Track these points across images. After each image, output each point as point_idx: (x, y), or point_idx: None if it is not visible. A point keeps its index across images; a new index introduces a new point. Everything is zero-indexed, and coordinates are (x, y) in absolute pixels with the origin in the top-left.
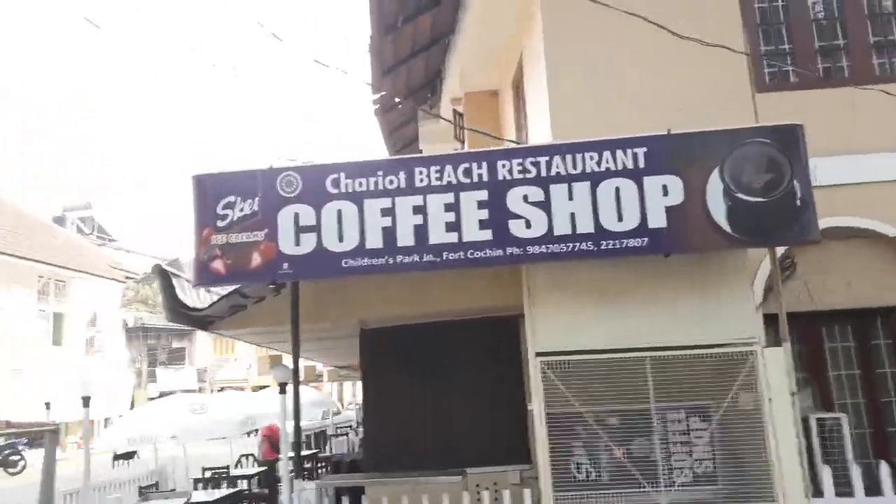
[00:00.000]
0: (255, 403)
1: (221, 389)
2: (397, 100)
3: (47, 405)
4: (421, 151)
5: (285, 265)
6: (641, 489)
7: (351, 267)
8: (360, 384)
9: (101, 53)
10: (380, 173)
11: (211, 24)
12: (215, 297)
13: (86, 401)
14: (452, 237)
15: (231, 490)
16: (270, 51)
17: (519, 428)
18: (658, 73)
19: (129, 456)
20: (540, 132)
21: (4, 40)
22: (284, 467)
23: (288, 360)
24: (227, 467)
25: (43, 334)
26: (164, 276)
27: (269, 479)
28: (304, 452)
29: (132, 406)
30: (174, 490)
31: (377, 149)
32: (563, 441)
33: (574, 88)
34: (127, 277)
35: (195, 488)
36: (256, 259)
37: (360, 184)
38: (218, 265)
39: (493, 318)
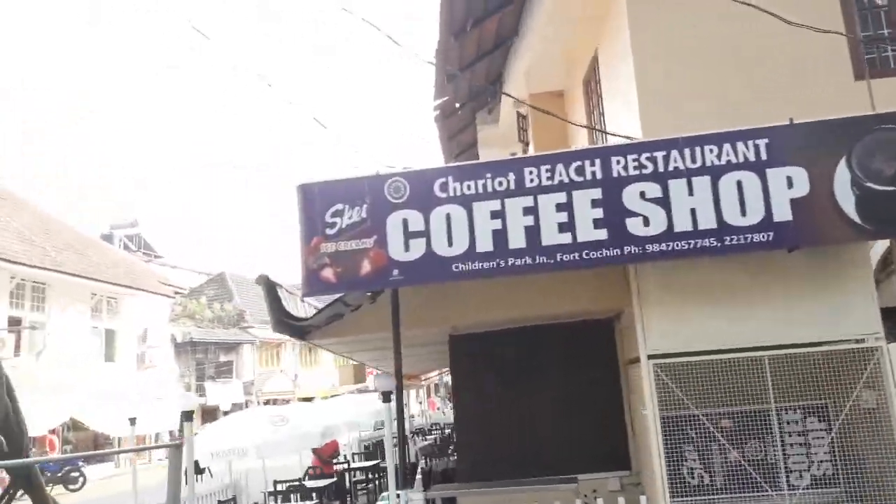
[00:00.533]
0: (334, 414)
1: (268, 402)
2: (458, 105)
3: (132, 420)
4: (478, 157)
5: (395, 271)
6: (763, 493)
7: (462, 271)
8: (412, 393)
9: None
10: (488, 175)
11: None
12: (310, 308)
13: (188, 415)
14: (566, 238)
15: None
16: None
17: (616, 433)
18: (751, 62)
19: (199, 471)
20: (623, 127)
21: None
22: (391, 477)
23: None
24: (300, 480)
25: (96, 351)
26: (270, 287)
27: (339, 490)
28: (367, 463)
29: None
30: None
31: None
32: (677, 445)
33: (663, 79)
34: (175, 293)
35: (266, 502)
36: (366, 266)
37: (469, 187)
38: (328, 273)
39: (586, 321)
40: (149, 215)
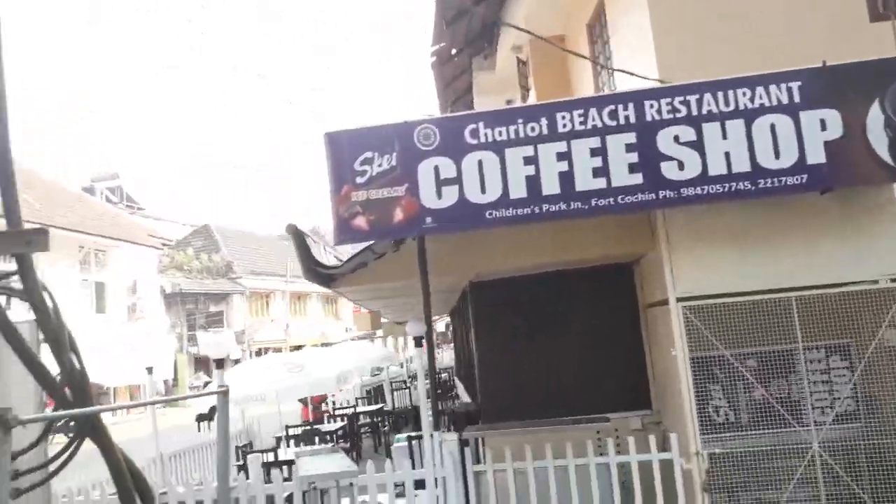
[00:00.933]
0: (343, 360)
1: (259, 351)
2: (454, 51)
3: (149, 370)
4: (473, 104)
5: (428, 219)
6: (791, 429)
7: (496, 218)
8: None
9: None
10: (520, 121)
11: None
12: (332, 257)
13: (218, 362)
14: (600, 183)
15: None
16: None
17: (637, 374)
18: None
19: (210, 417)
20: (637, 68)
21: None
22: (425, 419)
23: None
24: (311, 423)
25: (87, 303)
26: (298, 236)
27: (351, 431)
28: (371, 407)
29: (175, 369)
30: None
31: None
32: (703, 384)
33: (681, 20)
34: (163, 244)
35: (278, 446)
36: (399, 214)
37: (500, 133)
38: (360, 222)
39: (606, 266)
40: (128, 167)
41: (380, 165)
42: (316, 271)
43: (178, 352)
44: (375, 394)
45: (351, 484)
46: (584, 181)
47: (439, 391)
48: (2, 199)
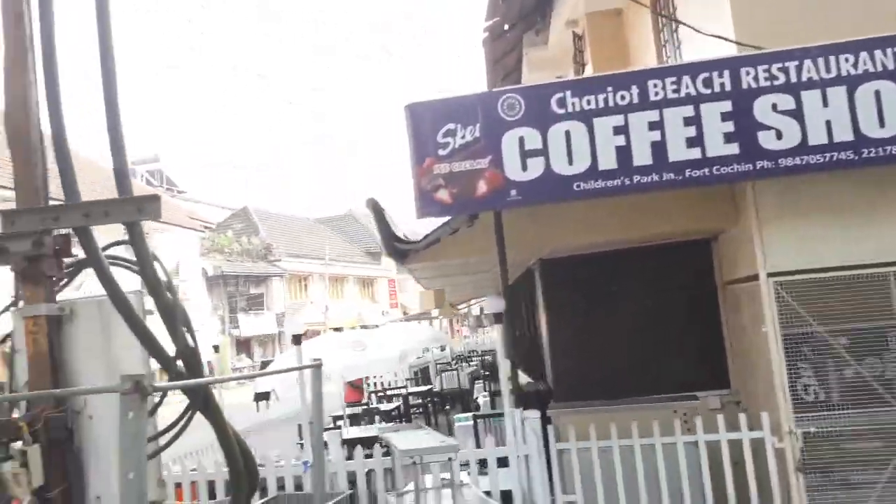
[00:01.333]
0: (401, 340)
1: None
2: (506, 26)
3: (215, 348)
4: (521, 81)
5: (513, 192)
6: (889, 408)
7: (583, 190)
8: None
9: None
10: (609, 89)
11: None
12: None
13: (296, 338)
14: (695, 153)
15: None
16: None
17: (715, 353)
18: None
19: (266, 396)
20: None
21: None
22: (506, 396)
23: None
24: (367, 403)
25: (133, 286)
26: (378, 211)
27: (406, 412)
28: (420, 388)
29: (217, 351)
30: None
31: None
32: (792, 362)
33: None
34: (204, 227)
35: (336, 425)
36: (482, 187)
37: (589, 102)
38: (443, 195)
39: (682, 242)
40: (168, 150)
41: (463, 137)
42: (395, 246)
43: (220, 333)
44: (421, 375)
45: (450, 459)
46: (677, 151)
47: (488, 373)
48: (113, 165)
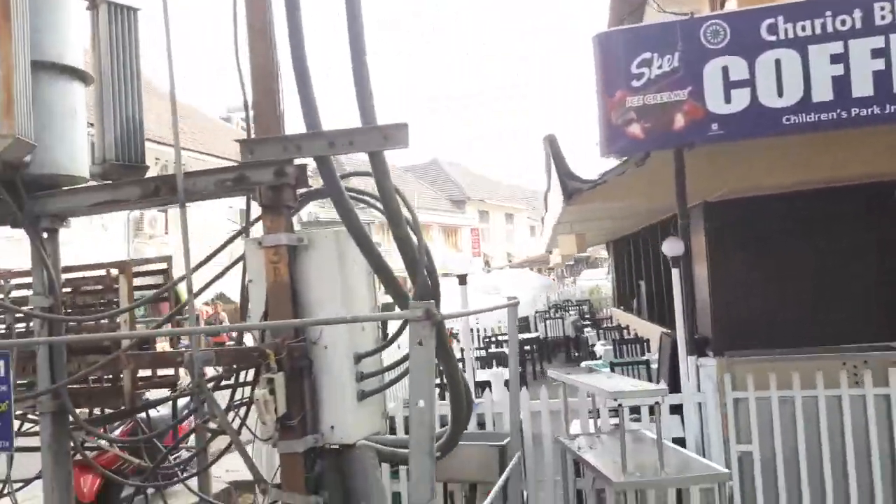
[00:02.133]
0: (533, 285)
1: None
2: None
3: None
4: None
5: (714, 125)
6: None
7: (794, 124)
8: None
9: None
10: (828, 14)
11: None
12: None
13: (461, 278)
14: None
15: None
16: None
17: None
18: None
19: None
20: None
21: None
22: (681, 342)
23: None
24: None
25: (232, 228)
26: (555, 147)
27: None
28: (526, 336)
29: None
30: None
31: None
32: None
33: None
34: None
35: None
36: (679, 120)
37: (803, 28)
38: (635, 129)
39: (869, 184)
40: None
41: (659, 67)
42: (567, 182)
43: None
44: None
45: (657, 403)
46: None
47: (590, 323)
48: (356, 92)
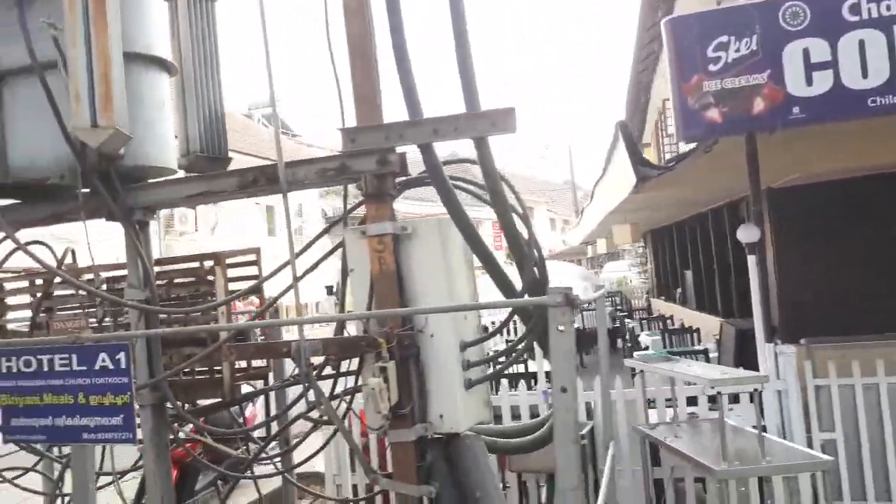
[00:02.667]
0: (576, 276)
1: None
2: None
3: (329, 289)
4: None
5: (795, 109)
6: None
7: (880, 106)
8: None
9: None
10: None
11: None
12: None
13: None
14: None
15: None
16: None
17: None
18: None
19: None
20: None
21: None
22: (759, 330)
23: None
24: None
25: (260, 226)
26: (627, 133)
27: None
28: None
29: (329, 293)
30: None
31: None
32: None
33: None
34: None
35: None
36: (759, 104)
37: (889, 7)
38: (713, 114)
39: None
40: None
41: (737, 50)
42: (638, 168)
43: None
44: None
45: (758, 391)
46: None
47: (626, 313)
48: (460, 80)
